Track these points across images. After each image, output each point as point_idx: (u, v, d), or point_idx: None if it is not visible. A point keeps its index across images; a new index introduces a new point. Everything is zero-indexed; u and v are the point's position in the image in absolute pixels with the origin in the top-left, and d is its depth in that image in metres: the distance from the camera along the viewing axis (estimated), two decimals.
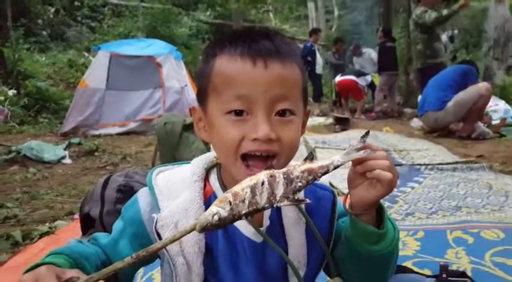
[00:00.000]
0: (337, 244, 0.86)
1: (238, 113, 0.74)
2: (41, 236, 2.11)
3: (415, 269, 1.36)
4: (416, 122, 6.21)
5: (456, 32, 11.43)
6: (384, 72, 8.20)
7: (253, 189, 0.62)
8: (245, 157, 0.75)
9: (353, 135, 5.12)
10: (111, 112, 6.51)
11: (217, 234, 0.80)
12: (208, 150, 3.79)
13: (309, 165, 0.67)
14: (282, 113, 0.75)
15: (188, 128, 3.60)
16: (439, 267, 1.23)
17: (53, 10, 12.54)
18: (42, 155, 4.31)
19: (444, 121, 4.96)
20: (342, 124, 6.58)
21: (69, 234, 2.08)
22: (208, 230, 0.60)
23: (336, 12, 21.23)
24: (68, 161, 4.40)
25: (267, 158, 0.74)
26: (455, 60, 9.71)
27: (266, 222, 0.82)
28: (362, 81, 8.46)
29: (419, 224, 2.00)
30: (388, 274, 0.85)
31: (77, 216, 2.35)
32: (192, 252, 0.77)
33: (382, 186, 0.72)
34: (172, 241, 0.60)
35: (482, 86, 4.75)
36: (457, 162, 3.37)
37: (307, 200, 0.67)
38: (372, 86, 8.64)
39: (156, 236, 0.76)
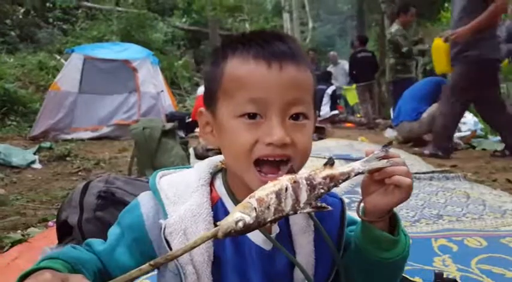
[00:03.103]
0: (345, 254, 0.84)
1: (252, 116, 0.71)
2: (13, 244, 1.99)
3: (407, 277, 1.36)
4: (389, 133, 6.36)
5: (427, 46, 11.81)
6: (359, 84, 8.39)
7: (278, 195, 0.60)
8: (257, 163, 0.72)
9: (330, 144, 5.17)
10: (84, 116, 6.33)
11: (224, 242, 0.76)
12: (188, 156, 3.72)
13: (330, 171, 0.66)
14: (295, 117, 0.73)
15: (167, 133, 3.52)
16: (434, 275, 1.24)
17: (22, 10, 12.13)
18: (10, 159, 4.12)
19: (418, 131, 5.09)
20: (318, 133, 6.64)
21: (43, 242, 1.97)
22: (230, 236, 0.57)
23: (310, 24, 21.61)
24: (38, 165, 4.22)
25: (279, 164, 0.72)
26: (426, 74, 10.06)
27: (276, 229, 0.79)
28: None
29: None
30: None
31: (51, 223, 2.24)
32: (202, 261, 0.73)
33: (400, 192, 0.70)
34: (193, 247, 0.56)
35: None
36: (433, 172, 3.44)
37: (329, 207, 0.64)
38: (333, 96, 8.80)
39: (165, 243, 0.71)
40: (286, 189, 0.61)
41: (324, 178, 0.65)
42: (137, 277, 0.55)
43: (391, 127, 6.33)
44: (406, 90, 5.43)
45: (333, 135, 6.73)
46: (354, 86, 9.15)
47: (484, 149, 4.83)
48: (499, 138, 5.59)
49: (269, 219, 0.59)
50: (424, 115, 4.89)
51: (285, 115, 0.72)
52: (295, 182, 0.62)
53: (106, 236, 0.80)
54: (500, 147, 4.47)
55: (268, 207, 0.59)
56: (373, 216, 0.75)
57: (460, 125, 5.85)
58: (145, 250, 0.76)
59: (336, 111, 8.83)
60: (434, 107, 4.85)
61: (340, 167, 0.68)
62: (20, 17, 11.96)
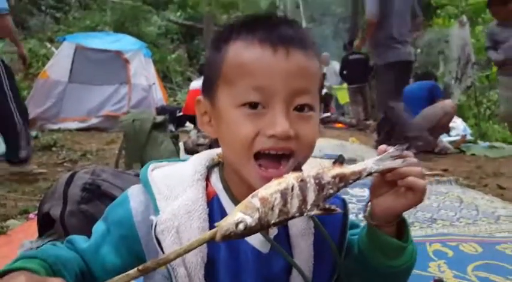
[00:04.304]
0: (346, 259, 0.78)
1: (253, 106, 0.65)
2: None
3: None
4: None
5: (419, 50, 11.86)
6: (351, 86, 8.38)
7: (283, 195, 0.54)
8: (257, 156, 0.66)
9: (321, 144, 5.12)
10: (72, 106, 6.19)
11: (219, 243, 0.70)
12: (178, 151, 3.64)
13: (340, 170, 0.60)
14: (300, 108, 0.67)
15: (158, 126, 3.44)
16: (434, 281, 1.19)
17: None
18: None
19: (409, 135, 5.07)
20: None
21: (23, 235, 1.89)
22: (230, 239, 0.51)
23: (304, 25, 21.61)
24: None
25: (281, 158, 0.66)
26: (417, 78, 10.11)
27: (274, 231, 0.73)
28: None
29: None
30: None
31: (32, 215, 2.15)
32: (195, 263, 0.67)
33: (413, 195, 0.65)
34: (188, 251, 0.50)
35: (448, 103, 4.93)
36: (425, 175, 3.41)
37: (338, 209, 0.59)
38: (325, 99, 8.79)
39: (156, 242, 0.65)
40: (293, 188, 0.55)
41: (334, 177, 0.59)
42: None
43: None
44: None
45: (324, 135, 6.69)
46: (345, 85, 9.14)
47: (473, 154, 4.84)
48: (488, 143, 5.64)
49: (273, 222, 0.53)
50: (416, 119, 4.87)
51: (289, 105, 0.66)
52: (302, 180, 0.57)
53: (90, 231, 0.74)
54: (491, 153, 4.50)
55: (272, 208, 0.53)
56: (382, 220, 0.69)
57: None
58: (132, 248, 0.70)
59: (328, 113, 8.82)
60: (425, 111, 4.87)
61: (351, 166, 0.62)
62: (12, 3, 11.69)
